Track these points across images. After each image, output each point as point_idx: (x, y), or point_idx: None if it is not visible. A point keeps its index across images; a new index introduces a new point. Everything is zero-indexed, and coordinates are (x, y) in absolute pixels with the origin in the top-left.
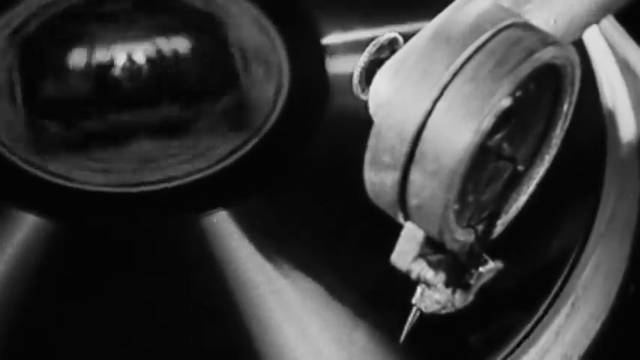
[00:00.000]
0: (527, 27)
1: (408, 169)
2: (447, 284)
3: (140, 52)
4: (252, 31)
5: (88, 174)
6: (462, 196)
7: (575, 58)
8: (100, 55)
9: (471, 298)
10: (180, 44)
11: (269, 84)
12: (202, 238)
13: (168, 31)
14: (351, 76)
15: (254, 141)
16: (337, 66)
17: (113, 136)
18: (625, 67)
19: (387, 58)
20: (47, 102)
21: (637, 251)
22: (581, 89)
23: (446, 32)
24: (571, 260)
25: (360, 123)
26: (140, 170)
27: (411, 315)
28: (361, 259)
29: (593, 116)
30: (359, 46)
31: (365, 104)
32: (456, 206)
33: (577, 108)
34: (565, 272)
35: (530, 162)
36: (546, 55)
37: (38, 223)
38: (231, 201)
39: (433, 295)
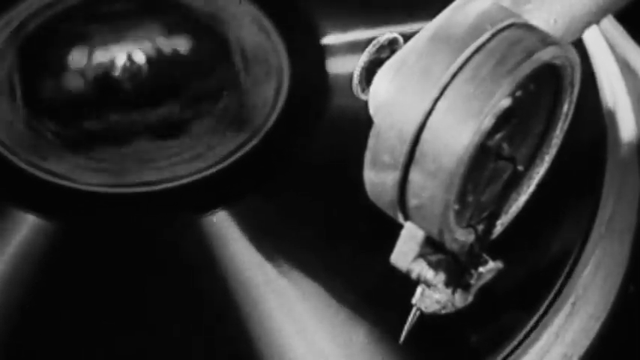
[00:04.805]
0: (527, 27)
1: (407, 170)
2: (447, 284)
3: (140, 52)
4: (252, 31)
5: (88, 174)
6: (461, 196)
7: (576, 58)
8: (100, 55)
9: (471, 298)
10: (180, 44)
11: (269, 84)
12: (202, 238)
13: (168, 31)
14: (351, 76)
15: (254, 141)
16: (337, 66)
17: (113, 136)
18: (625, 67)
19: (387, 58)
20: (47, 102)
21: (637, 251)
22: (582, 89)
23: (446, 32)
24: (571, 260)
25: (360, 123)
26: (140, 170)
27: (411, 315)
28: (361, 258)
29: (593, 116)
30: (359, 46)
31: (365, 104)
32: (455, 206)
33: (577, 108)
34: (565, 272)
35: (530, 162)
36: (546, 55)
37: (38, 223)
38: (231, 201)
39: (433, 295)
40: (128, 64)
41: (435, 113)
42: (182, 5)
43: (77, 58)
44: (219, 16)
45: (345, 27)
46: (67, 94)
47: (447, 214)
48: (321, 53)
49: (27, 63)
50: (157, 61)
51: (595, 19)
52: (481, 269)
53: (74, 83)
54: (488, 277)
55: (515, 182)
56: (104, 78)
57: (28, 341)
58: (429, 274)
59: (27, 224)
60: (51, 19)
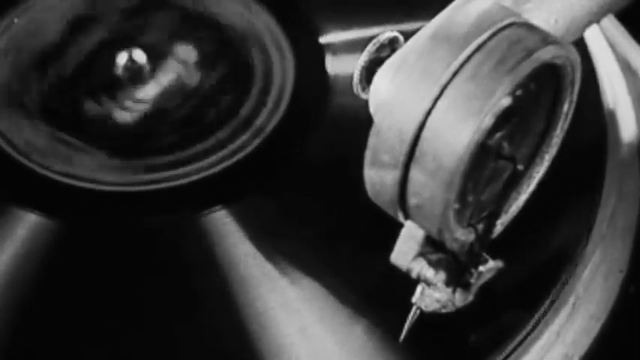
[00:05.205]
0: (527, 26)
1: (408, 169)
2: (447, 283)
3: (140, 52)
4: (252, 31)
5: (88, 173)
6: (462, 196)
7: (576, 57)
8: (101, 55)
9: (471, 297)
10: (185, 53)
11: (270, 84)
12: (202, 238)
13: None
14: (351, 75)
15: (256, 141)
16: (337, 65)
17: (114, 135)
18: (626, 66)
19: (388, 57)
20: (49, 101)
21: (637, 251)
22: (582, 89)
23: (446, 31)
24: (572, 260)
25: (360, 122)
26: (142, 169)
27: (411, 314)
28: (361, 257)
29: (593, 116)
30: (359, 45)
31: (365, 103)
32: (455, 205)
33: (577, 107)
34: (566, 272)
35: (531, 161)
36: (546, 54)
37: (39, 221)
38: (232, 200)
39: (433, 294)
40: (129, 63)
41: (435, 112)
42: (183, 8)
43: (78, 58)
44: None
45: (346, 26)
46: (68, 93)
47: (447, 213)
48: (322, 52)
49: (30, 64)
50: (160, 62)
51: (595, 18)
52: (481, 268)
53: (75, 83)
54: (488, 276)
55: (515, 181)
56: (105, 77)
57: (28, 340)
58: (429, 273)
59: (28, 222)
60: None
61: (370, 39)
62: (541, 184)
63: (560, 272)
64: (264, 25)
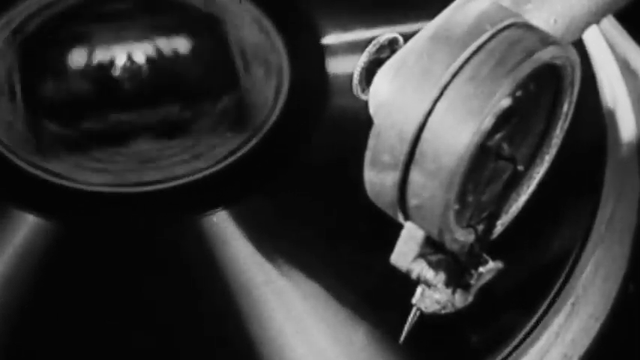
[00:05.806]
0: (527, 27)
1: (408, 169)
2: (447, 284)
3: (140, 52)
4: (252, 31)
5: (87, 174)
6: (461, 196)
7: (576, 58)
8: (100, 55)
9: (471, 298)
10: (180, 44)
11: (269, 84)
12: (202, 238)
13: (168, 31)
14: (351, 76)
15: (254, 141)
16: (337, 66)
17: (113, 136)
18: (625, 67)
19: (387, 58)
20: (47, 102)
21: (637, 251)
22: (582, 89)
23: (446, 32)
24: (571, 260)
25: (360, 123)
26: (140, 170)
27: (411, 315)
28: (361, 258)
29: (593, 116)
30: (359, 46)
31: (365, 104)
32: (455, 206)
33: (577, 108)
34: (565, 272)
35: (530, 162)
36: (546, 55)
37: (38, 223)
38: (231, 201)
39: (433, 295)
40: (128, 63)
41: (435, 113)
42: (182, 5)
43: (77, 58)
44: (219, 16)
45: (346, 27)
46: (66, 94)
47: (447, 214)
48: (321, 53)
49: (27, 63)
50: (157, 61)
51: (595, 19)
52: (481, 269)
53: (74, 83)
54: (488, 277)
55: (515, 182)
56: (104, 78)
57: (28, 341)
58: (429, 274)
59: (27, 224)
60: (51, 19)
61: (370, 40)
62: (541, 185)
63: (560, 272)
64: (264, 25)
